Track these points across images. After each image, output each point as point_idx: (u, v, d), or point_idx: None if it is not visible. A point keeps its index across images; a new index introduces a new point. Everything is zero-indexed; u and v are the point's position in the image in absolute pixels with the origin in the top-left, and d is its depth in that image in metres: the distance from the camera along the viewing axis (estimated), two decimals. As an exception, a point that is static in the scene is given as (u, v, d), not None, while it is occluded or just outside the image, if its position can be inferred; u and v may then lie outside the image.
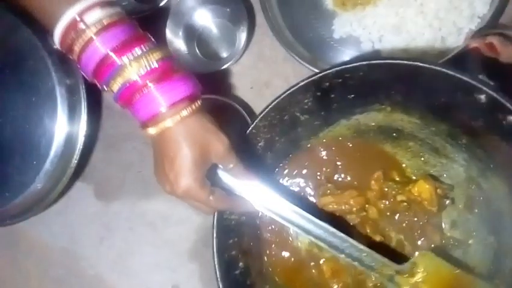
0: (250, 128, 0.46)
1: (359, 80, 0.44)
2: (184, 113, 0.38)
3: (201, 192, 0.40)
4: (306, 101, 0.46)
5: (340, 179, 0.52)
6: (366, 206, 0.50)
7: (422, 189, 0.48)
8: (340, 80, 0.44)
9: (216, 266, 0.44)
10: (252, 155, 0.48)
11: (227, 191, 0.43)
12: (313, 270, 0.51)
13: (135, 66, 0.37)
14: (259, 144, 0.48)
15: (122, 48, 0.37)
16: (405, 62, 0.41)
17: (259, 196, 0.43)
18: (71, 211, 0.63)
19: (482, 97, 0.39)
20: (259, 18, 0.59)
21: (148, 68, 0.37)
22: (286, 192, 0.52)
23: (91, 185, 0.63)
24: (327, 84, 0.45)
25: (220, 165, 0.42)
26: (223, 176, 0.43)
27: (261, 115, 0.45)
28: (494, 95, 0.38)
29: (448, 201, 0.49)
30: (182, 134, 0.39)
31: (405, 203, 0.48)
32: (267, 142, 0.48)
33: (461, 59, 0.49)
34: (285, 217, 0.44)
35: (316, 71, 0.54)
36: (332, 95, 0.46)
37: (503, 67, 0.45)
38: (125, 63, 0.37)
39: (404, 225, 0.50)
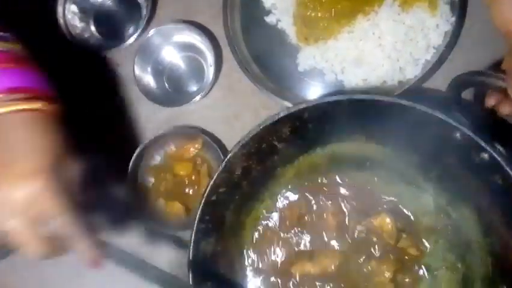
0: (229, 157, 0.46)
1: (338, 113, 0.45)
2: (25, 101, 0.38)
3: (54, 198, 0.36)
4: (284, 130, 0.47)
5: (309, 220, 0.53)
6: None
7: (383, 223, 0.49)
8: (319, 112, 0.46)
9: None
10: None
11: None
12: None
13: None
14: (236, 172, 0.48)
15: None
16: (384, 98, 0.43)
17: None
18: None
19: (457, 135, 0.41)
20: (227, 52, 0.60)
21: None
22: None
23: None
24: (307, 115, 0.46)
25: None
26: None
27: (241, 143, 0.46)
28: (469, 133, 0.40)
29: (404, 235, 0.50)
30: (31, 125, 0.38)
31: (363, 234, 0.50)
32: (244, 170, 0.49)
33: (437, 96, 0.52)
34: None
35: (285, 102, 0.56)
36: (310, 125, 0.47)
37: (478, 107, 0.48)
38: None
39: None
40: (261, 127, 0.46)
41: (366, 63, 0.55)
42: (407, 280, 0.49)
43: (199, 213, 0.46)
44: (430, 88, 0.55)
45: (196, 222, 0.46)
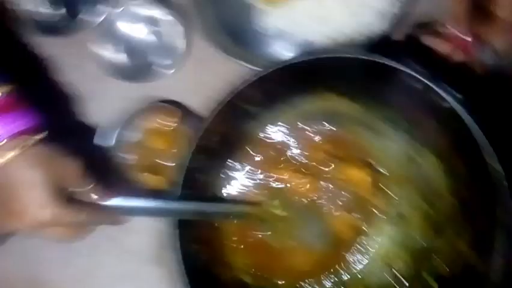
0: (205, 125, 0.47)
1: (306, 72, 0.46)
2: (29, 142, 0.40)
3: (67, 213, 0.41)
4: (255, 94, 0.48)
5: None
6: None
7: (355, 175, 0.51)
8: (288, 74, 0.46)
9: (181, 262, 0.46)
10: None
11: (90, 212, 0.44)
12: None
13: None
14: (214, 139, 0.49)
15: None
16: (346, 55, 0.44)
17: (125, 205, 0.46)
18: (30, 238, 0.61)
19: (419, 86, 0.42)
20: (194, 22, 0.60)
21: None
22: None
23: (47, 208, 0.62)
24: (276, 77, 0.47)
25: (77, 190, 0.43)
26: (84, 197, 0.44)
27: (213, 112, 0.47)
28: (429, 83, 0.41)
29: (376, 191, 0.52)
30: (30, 163, 0.40)
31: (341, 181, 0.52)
32: (222, 137, 0.50)
33: (395, 49, 0.53)
34: (157, 212, 0.47)
35: (256, 68, 0.56)
36: (280, 88, 0.49)
37: (434, 56, 0.49)
38: None
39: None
40: (231, 95, 0.47)
41: (332, 21, 0.55)
42: (375, 230, 0.52)
43: (181, 181, 0.47)
44: (397, 41, 0.55)
45: (179, 189, 0.47)
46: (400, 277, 0.51)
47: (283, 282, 0.53)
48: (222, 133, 0.50)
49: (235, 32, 0.59)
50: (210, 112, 0.47)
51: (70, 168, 0.42)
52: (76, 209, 0.42)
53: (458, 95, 0.39)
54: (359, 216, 0.51)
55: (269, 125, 0.54)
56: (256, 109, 0.50)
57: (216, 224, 0.53)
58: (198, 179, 0.49)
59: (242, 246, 0.54)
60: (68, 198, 0.42)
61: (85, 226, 0.45)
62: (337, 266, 0.53)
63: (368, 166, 0.52)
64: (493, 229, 0.41)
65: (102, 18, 0.60)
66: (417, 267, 0.50)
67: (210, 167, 0.51)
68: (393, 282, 0.51)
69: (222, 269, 0.51)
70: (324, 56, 0.45)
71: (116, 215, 0.47)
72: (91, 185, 0.44)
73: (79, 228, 0.45)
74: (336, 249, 0.53)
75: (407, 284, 0.50)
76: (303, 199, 0.53)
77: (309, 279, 0.53)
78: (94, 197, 0.44)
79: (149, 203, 0.46)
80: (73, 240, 0.45)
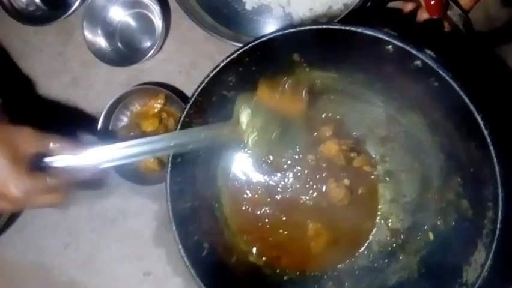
0: (183, 117, 0.47)
1: (276, 49, 0.46)
2: None
3: (37, 184, 0.40)
4: (229, 78, 0.48)
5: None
6: None
7: (330, 148, 0.52)
8: (258, 53, 0.46)
9: (184, 255, 0.46)
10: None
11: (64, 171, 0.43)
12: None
13: None
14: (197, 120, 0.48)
15: None
16: (314, 27, 0.43)
17: (95, 156, 0.43)
18: (32, 225, 0.64)
19: (390, 47, 0.42)
20: (173, 2, 0.59)
21: None
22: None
23: (46, 196, 0.64)
24: (247, 59, 0.46)
25: (45, 153, 0.42)
26: (51, 160, 0.43)
27: (189, 103, 0.46)
28: (400, 44, 0.41)
29: (353, 154, 0.53)
30: None
31: (314, 162, 0.54)
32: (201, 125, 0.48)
33: (366, 15, 0.53)
34: (123, 156, 0.44)
35: (238, 45, 0.56)
36: (253, 67, 0.48)
37: (402, 17, 0.49)
38: None
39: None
40: (205, 82, 0.46)
41: (310, -6, 0.55)
42: (367, 192, 0.53)
43: (168, 177, 0.47)
44: (372, 8, 0.55)
45: (168, 185, 0.47)
46: (396, 232, 0.52)
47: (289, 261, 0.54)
48: (202, 123, 0.48)
49: (215, 9, 0.59)
50: (185, 104, 0.46)
51: (24, 136, 0.41)
52: (48, 173, 0.41)
53: (429, 52, 0.40)
54: (347, 180, 0.53)
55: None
56: (232, 94, 0.49)
57: (215, 213, 0.54)
58: (186, 170, 0.49)
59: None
60: (37, 166, 0.41)
61: (66, 189, 0.43)
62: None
63: (345, 135, 0.53)
64: (481, 177, 0.41)
65: (78, 4, 0.60)
66: (411, 220, 0.52)
67: (196, 158, 0.50)
68: (390, 237, 0.53)
69: (226, 254, 0.52)
70: (287, 32, 0.44)
71: (93, 170, 0.44)
72: (56, 143, 0.42)
73: (61, 192, 0.43)
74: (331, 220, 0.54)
75: (403, 237, 0.52)
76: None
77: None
78: (66, 153, 0.42)
79: (125, 145, 0.44)
80: (59, 205, 0.44)
